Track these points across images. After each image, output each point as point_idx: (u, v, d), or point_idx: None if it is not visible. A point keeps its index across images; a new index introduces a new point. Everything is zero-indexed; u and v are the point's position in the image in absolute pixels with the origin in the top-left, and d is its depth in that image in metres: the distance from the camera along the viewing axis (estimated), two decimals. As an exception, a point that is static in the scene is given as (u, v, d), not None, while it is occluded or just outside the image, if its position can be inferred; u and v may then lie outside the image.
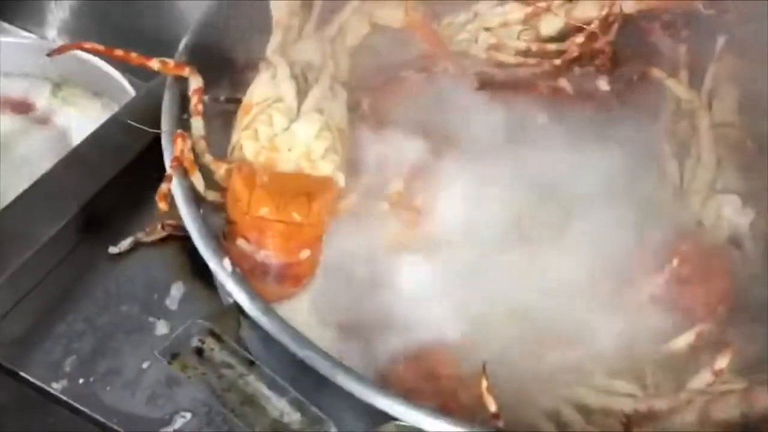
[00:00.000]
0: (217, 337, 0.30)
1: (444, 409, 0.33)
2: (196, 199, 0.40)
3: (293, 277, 0.40)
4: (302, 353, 0.31)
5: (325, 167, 0.42)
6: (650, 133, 0.48)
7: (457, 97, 0.48)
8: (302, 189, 0.41)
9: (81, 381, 0.45)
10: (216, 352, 0.29)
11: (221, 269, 0.35)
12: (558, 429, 0.36)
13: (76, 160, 0.53)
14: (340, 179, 0.42)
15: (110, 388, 0.44)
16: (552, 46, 0.50)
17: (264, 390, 0.28)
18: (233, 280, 0.35)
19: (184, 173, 0.40)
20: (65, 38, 0.81)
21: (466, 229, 0.42)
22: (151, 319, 0.47)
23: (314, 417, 0.27)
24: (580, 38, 0.50)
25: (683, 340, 0.39)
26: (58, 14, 0.84)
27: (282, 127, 0.43)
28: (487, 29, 0.50)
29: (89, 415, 0.44)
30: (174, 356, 0.30)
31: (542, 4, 0.50)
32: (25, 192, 0.51)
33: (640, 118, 0.49)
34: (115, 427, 0.44)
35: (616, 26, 0.50)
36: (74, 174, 0.53)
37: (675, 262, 0.41)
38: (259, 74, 0.45)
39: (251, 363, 0.29)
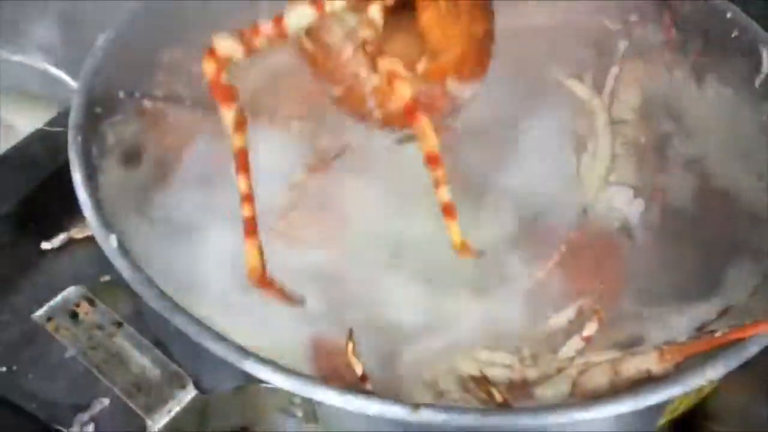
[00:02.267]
0: (91, 302, 0.32)
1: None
2: (91, 175, 0.42)
3: None
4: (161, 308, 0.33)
5: None
6: (553, 129, 0.50)
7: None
8: None
9: (4, 369, 0.47)
10: (89, 315, 0.32)
11: (107, 245, 0.37)
12: (435, 398, 0.37)
13: (14, 158, 0.56)
14: None
15: (32, 376, 0.47)
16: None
17: (128, 349, 0.30)
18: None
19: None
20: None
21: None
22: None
23: (174, 372, 0.29)
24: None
25: (564, 316, 0.40)
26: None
27: None
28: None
29: (9, 401, 0.46)
30: (49, 319, 0.32)
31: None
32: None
33: (545, 116, 0.51)
34: (34, 413, 0.46)
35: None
36: (11, 172, 0.56)
37: (563, 247, 0.43)
38: None
39: (120, 324, 0.31)
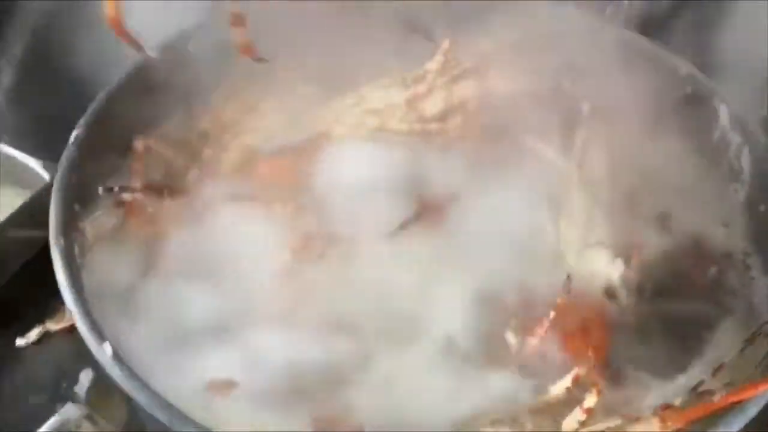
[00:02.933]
0: (92, 419, 0.31)
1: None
2: (75, 276, 0.41)
3: None
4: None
5: None
6: (529, 195, 0.52)
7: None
8: None
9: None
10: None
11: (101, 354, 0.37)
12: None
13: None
14: None
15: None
16: (434, 126, 0.54)
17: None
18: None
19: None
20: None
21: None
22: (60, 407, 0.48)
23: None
24: (460, 117, 0.54)
25: (560, 386, 0.41)
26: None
27: None
28: (372, 111, 0.54)
29: None
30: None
31: (423, 88, 0.54)
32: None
33: (521, 182, 0.53)
34: None
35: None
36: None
37: (552, 314, 0.44)
38: None
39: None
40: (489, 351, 0.44)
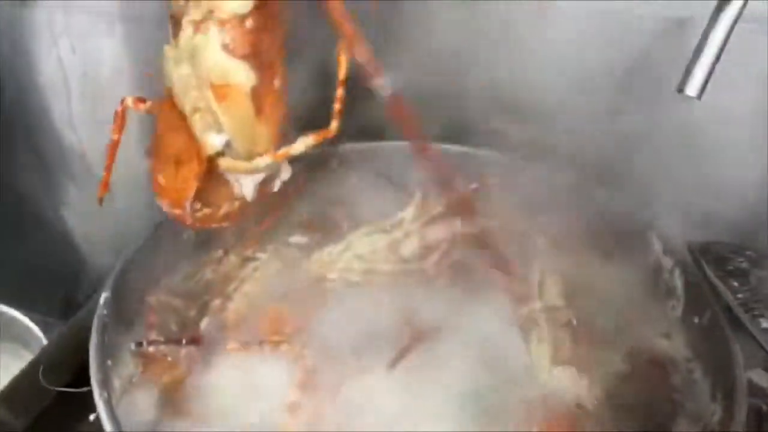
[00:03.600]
0: None
1: None
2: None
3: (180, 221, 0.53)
4: None
5: (197, 127, 0.48)
6: (502, 320, 0.60)
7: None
8: (175, 151, 0.49)
9: None
10: None
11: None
12: None
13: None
14: (213, 141, 0.48)
15: None
16: (413, 265, 0.63)
17: None
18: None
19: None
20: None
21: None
22: None
23: None
24: (435, 256, 0.63)
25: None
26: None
27: (168, 70, 0.48)
28: (359, 257, 0.62)
29: None
30: None
31: (400, 233, 0.63)
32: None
33: (493, 310, 0.61)
34: None
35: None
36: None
37: (535, 428, 0.51)
38: None
39: None
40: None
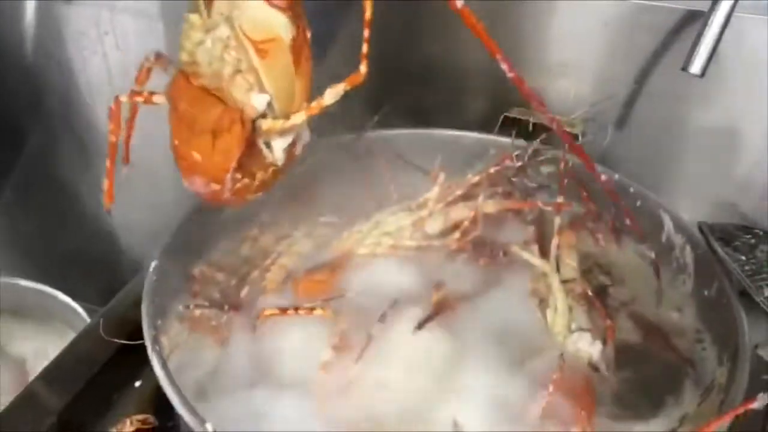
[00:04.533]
0: None
1: None
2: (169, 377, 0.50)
3: (214, 199, 0.50)
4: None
5: (236, 92, 0.45)
6: (519, 293, 0.64)
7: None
8: (208, 124, 0.45)
9: None
10: None
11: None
12: None
13: (50, 376, 0.64)
14: (257, 102, 0.45)
15: None
16: (437, 242, 0.67)
17: None
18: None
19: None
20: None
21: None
22: None
23: None
24: (456, 234, 0.67)
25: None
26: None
27: (197, 39, 0.45)
28: (386, 233, 0.67)
29: None
30: None
31: (425, 212, 0.67)
32: (5, 410, 0.61)
33: (511, 283, 0.65)
34: None
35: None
36: (49, 389, 0.64)
37: (551, 387, 0.55)
38: None
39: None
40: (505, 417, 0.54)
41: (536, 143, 0.72)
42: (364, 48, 0.44)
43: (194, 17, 0.45)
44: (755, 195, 0.78)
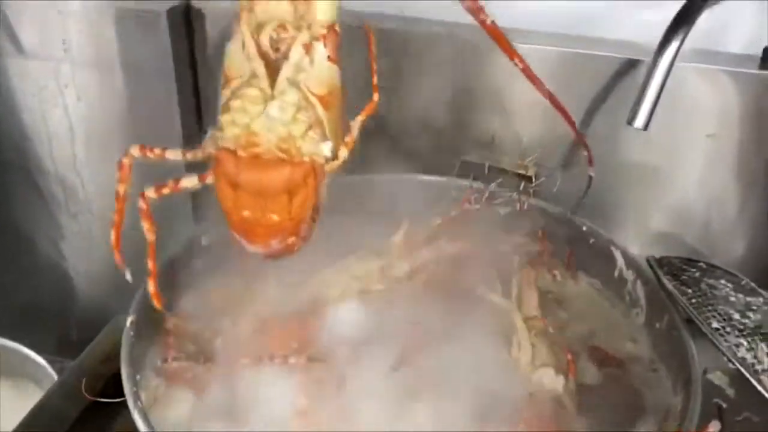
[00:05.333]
0: None
1: None
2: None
3: (285, 252, 0.50)
4: None
5: (308, 146, 0.46)
6: (485, 331, 0.67)
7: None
8: (283, 184, 0.46)
9: None
10: None
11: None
12: None
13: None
14: (326, 149, 0.46)
15: None
16: (405, 284, 0.70)
17: None
18: None
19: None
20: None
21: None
22: None
23: None
24: (423, 275, 0.70)
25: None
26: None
27: (257, 111, 0.45)
28: (355, 278, 0.69)
29: None
30: None
31: (391, 256, 0.70)
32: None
33: (476, 322, 0.67)
34: None
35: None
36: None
37: (521, 426, 0.58)
38: (231, 41, 0.47)
39: None
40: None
41: (493, 186, 0.76)
42: (374, 79, 0.49)
43: (253, 91, 0.46)
44: (695, 227, 0.83)
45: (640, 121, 0.53)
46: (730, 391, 0.73)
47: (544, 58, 0.79)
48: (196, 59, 0.89)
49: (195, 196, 0.90)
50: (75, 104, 0.90)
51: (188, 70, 0.89)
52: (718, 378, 0.75)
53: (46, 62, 0.88)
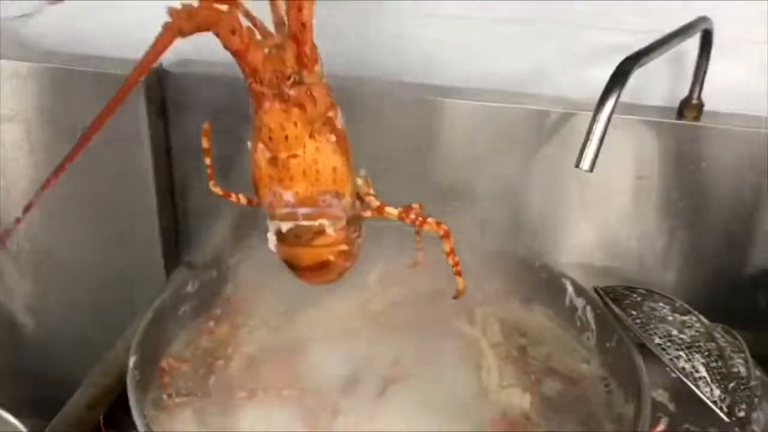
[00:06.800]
0: None
1: None
2: None
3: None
4: None
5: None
6: (458, 358, 0.74)
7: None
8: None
9: None
10: None
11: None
12: None
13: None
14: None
15: None
16: (380, 320, 0.76)
17: None
18: None
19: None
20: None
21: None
22: None
23: None
24: (400, 310, 0.77)
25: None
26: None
27: None
28: (336, 318, 0.76)
29: None
30: None
31: (367, 295, 0.76)
32: None
33: (448, 351, 0.74)
34: None
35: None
36: None
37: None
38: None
39: None
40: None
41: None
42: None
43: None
44: (630, 260, 0.93)
45: (586, 164, 0.62)
46: (671, 406, 0.82)
47: (493, 112, 0.88)
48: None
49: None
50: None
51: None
52: (659, 395, 0.83)
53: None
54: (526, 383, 0.71)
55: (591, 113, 0.63)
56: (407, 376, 0.70)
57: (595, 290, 0.80)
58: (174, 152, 0.94)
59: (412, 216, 0.58)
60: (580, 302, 0.79)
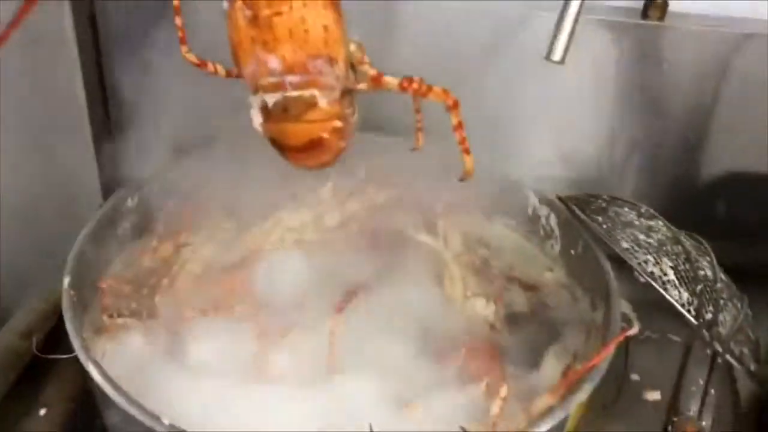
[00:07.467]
0: None
1: None
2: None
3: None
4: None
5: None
6: (417, 271, 0.70)
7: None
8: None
9: None
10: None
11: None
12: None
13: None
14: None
15: None
16: (338, 233, 0.72)
17: None
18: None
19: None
20: None
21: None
22: None
23: None
24: (354, 225, 0.73)
25: (476, 390, 0.58)
26: None
27: None
28: (290, 229, 0.71)
29: None
30: None
31: (322, 208, 0.72)
32: None
33: (408, 263, 0.71)
34: None
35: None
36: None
37: (463, 350, 0.62)
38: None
39: None
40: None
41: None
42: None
43: None
44: (590, 169, 0.90)
45: (556, 55, 0.58)
46: (632, 315, 0.81)
47: (457, 15, 0.83)
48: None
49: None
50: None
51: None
52: (623, 306, 0.82)
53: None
54: (489, 293, 0.69)
55: (553, 14, 0.59)
56: (368, 288, 0.66)
57: (558, 198, 0.77)
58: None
59: (415, 86, 0.49)
60: (543, 210, 0.76)
